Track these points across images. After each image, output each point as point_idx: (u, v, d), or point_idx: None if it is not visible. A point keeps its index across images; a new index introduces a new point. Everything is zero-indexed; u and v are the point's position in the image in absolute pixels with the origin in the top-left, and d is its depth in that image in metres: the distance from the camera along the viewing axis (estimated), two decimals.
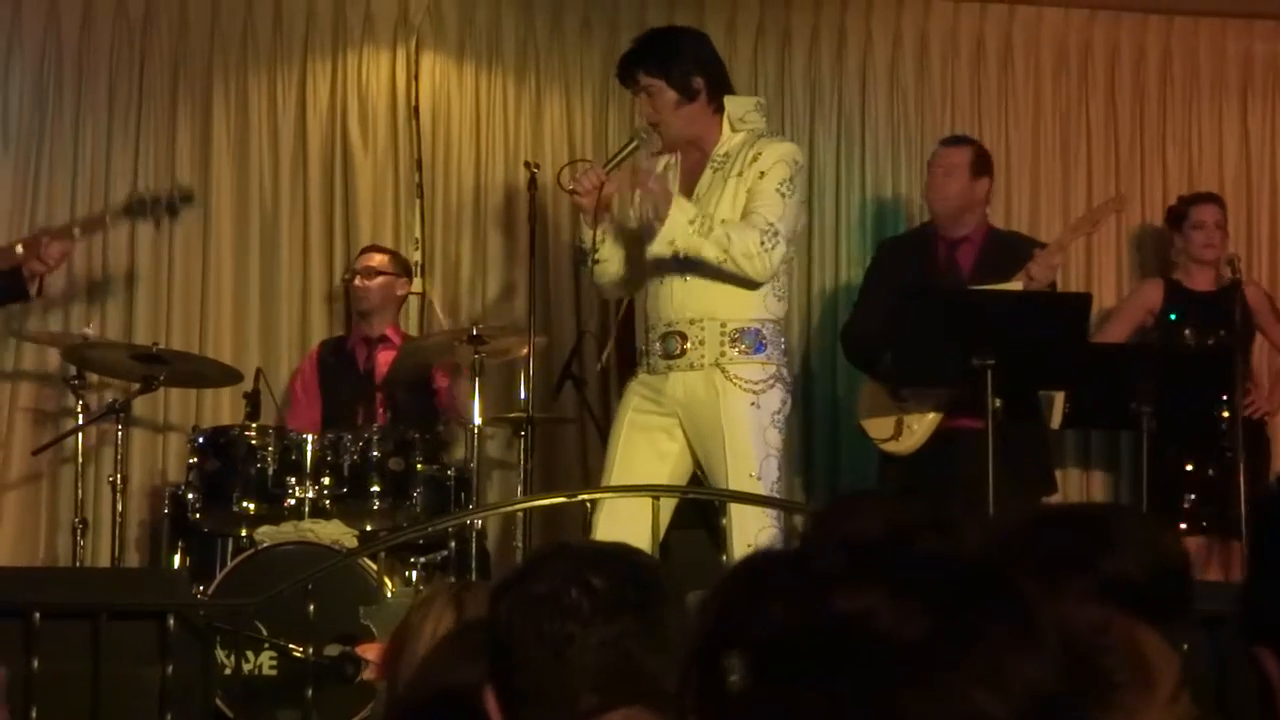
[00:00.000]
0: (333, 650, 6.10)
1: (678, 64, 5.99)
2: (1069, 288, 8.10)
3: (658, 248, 5.80)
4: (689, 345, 5.92)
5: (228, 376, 7.49)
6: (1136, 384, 6.85)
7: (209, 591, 6.47)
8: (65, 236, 7.26)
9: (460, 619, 3.00)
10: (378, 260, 7.78)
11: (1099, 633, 1.57)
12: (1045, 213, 8.56)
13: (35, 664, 5.27)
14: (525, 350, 7.10)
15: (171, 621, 5.50)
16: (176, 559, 7.17)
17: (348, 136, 8.27)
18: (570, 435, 8.21)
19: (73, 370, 7.32)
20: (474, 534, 6.90)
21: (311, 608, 5.92)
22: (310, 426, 7.49)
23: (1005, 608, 1.27)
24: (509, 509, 7.28)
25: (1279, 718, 1.64)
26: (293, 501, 6.86)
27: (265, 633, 6.30)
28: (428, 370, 7.63)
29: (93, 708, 5.39)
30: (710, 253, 5.78)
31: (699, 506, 6.67)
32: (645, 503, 5.77)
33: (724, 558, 6.06)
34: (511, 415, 7.32)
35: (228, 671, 6.22)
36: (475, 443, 6.97)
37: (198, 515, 6.98)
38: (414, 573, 6.91)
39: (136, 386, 7.18)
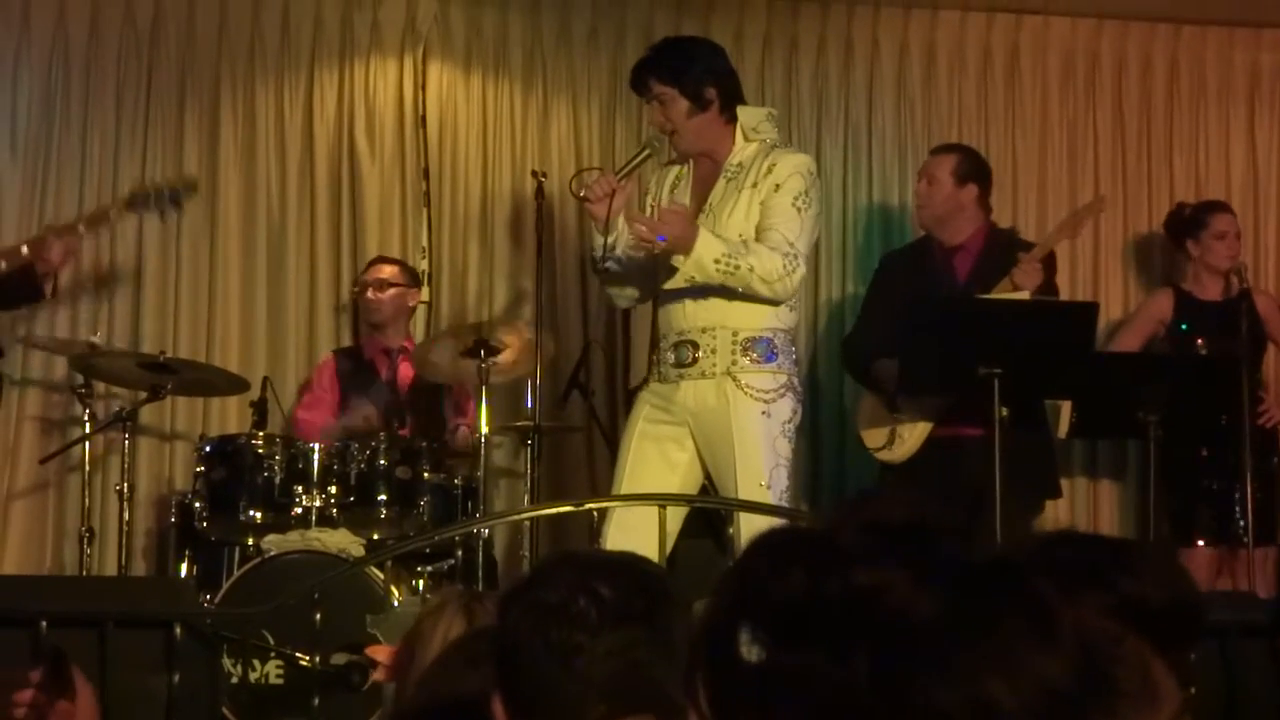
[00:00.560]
0: (339, 659, 6.10)
1: (691, 73, 5.99)
2: (1075, 297, 8.10)
3: (677, 280, 5.81)
4: (701, 354, 5.92)
5: (235, 385, 7.49)
6: (1143, 393, 6.84)
7: (216, 600, 6.47)
8: (70, 233, 7.25)
9: (470, 628, 3.00)
10: (388, 272, 7.78)
11: (1113, 642, 1.57)
12: (1052, 222, 8.53)
13: None
14: (532, 362, 7.09)
15: (178, 630, 5.50)
16: (183, 568, 7.17)
17: (355, 145, 8.28)
18: (577, 444, 8.21)
19: (80, 379, 7.33)
20: (481, 543, 6.89)
21: (318, 616, 5.93)
22: (328, 423, 7.49)
23: (1023, 600, 1.28)
24: (516, 518, 7.28)
25: None
26: (299, 510, 6.86)
27: (272, 641, 6.30)
28: (444, 386, 7.63)
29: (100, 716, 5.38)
30: (732, 282, 5.79)
31: (707, 515, 6.67)
32: (653, 512, 5.77)
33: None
34: (518, 424, 7.33)
35: (234, 680, 6.22)
36: (482, 452, 6.97)
37: (204, 524, 6.98)
38: (421, 581, 6.91)
39: (143, 395, 7.18)
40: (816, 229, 6.16)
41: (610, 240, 5.95)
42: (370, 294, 7.74)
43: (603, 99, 8.46)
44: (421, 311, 8.14)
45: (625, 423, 6.42)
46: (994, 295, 6.91)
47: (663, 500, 5.81)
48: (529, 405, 7.22)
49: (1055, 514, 7.68)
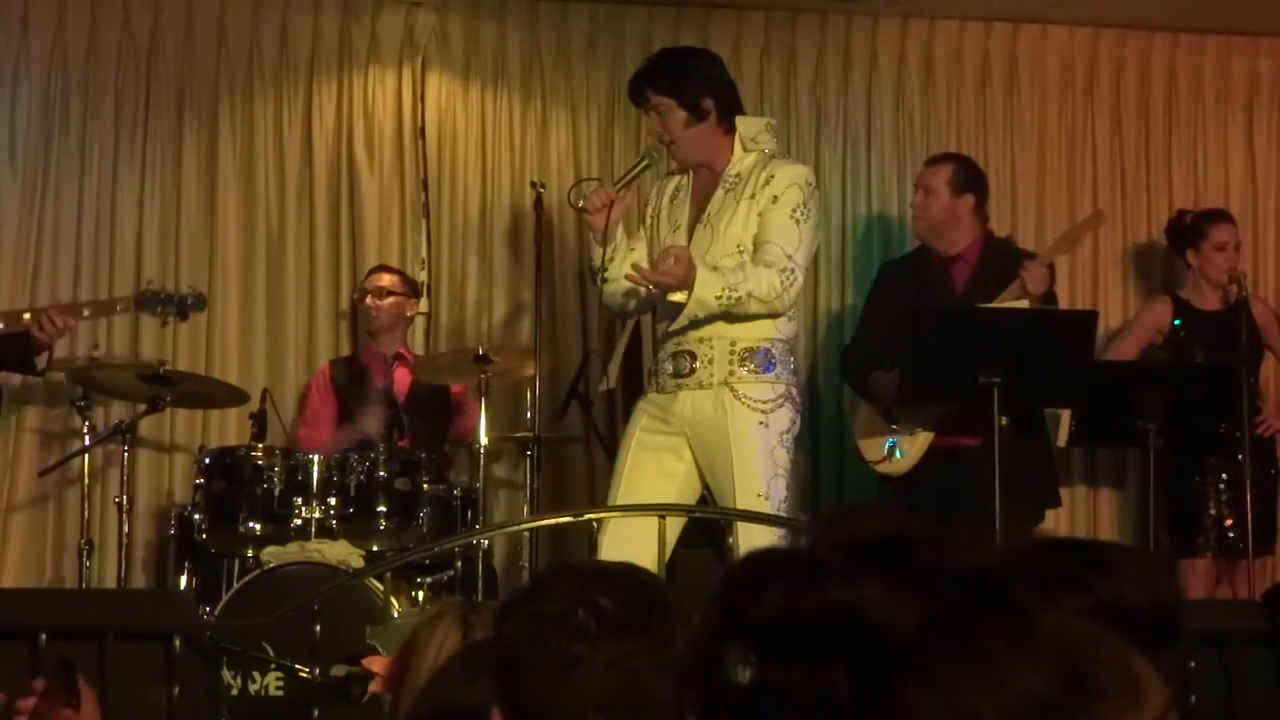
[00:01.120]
0: (339, 670, 6.09)
1: (688, 84, 5.99)
2: (1074, 305, 8.10)
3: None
4: (698, 364, 5.91)
5: (234, 397, 7.49)
6: (1143, 402, 6.84)
7: (215, 612, 6.47)
8: (74, 314, 7.12)
9: (466, 639, 3.00)
10: (388, 280, 7.80)
11: (1091, 642, 1.57)
12: (1051, 231, 8.54)
13: None
14: (531, 371, 7.10)
15: (178, 642, 5.49)
16: (183, 580, 7.17)
17: (354, 157, 8.28)
18: (576, 455, 8.21)
19: (79, 391, 7.32)
20: (480, 554, 6.89)
21: (318, 628, 5.92)
22: (328, 440, 7.50)
23: (1001, 608, 1.28)
24: (515, 529, 7.28)
25: None
26: (299, 522, 6.86)
27: (271, 653, 6.29)
28: (444, 389, 7.63)
29: None
30: (734, 310, 5.79)
31: (706, 526, 6.66)
32: (651, 522, 5.76)
33: None
34: (518, 435, 7.33)
35: (234, 692, 6.21)
36: (481, 462, 6.96)
37: (204, 536, 6.98)
38: (420, 593, 6.91)
39: (143, 407, 7.17)
40: (816, 240, 6.15)
41: (609, 251, 5.95)
42: (369, 301, 7.76)
43: (601, 110, 8.46)
44: (420, 323, 8.14)
45: (623, 432, 6.41)
46: (1002, 301, 6.91)
47: (662, 510, 5.81)
48: (528, 416, 7.22)
49: (1056, 523, 7.68)
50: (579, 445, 8.13)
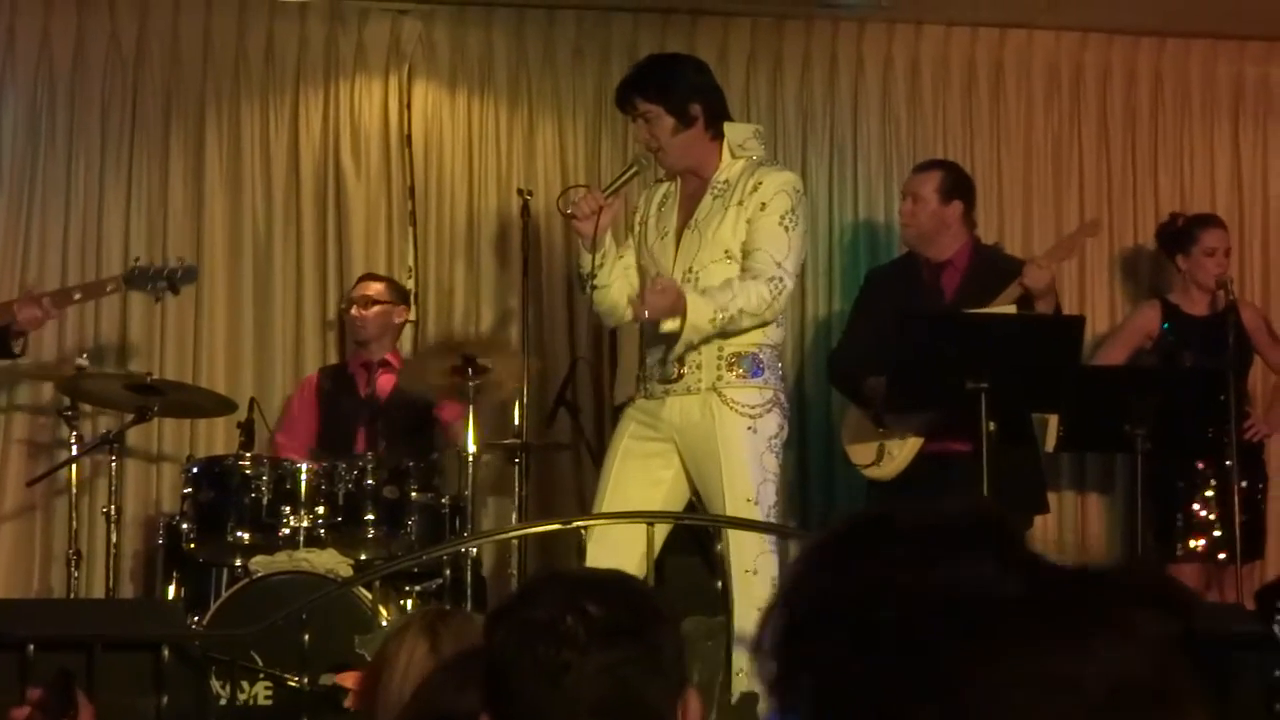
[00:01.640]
0: (328, 680, 6.08)
1: (676, 90, 5.99)
2: (1062, 310, 8.10)
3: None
4: (686, 370, 5.90)
5: (222, 406, 7.48)
6: (1130, 406, 6.84)
7: (204, 622, 6.45)
8: (65, 300, 7.16)
9: (434, 648, 2.99)
10: (374, 289, 7.79)
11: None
12: (1039, 236, 8.56)
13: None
14: (519, 378, 7.09)
15: (166, 652, 5.48)
16: (171, 589, 7.16)
17: (340, 165, 8.27)
18: (565, 462, 8.20)
19: (66, 401, 7.31)
20: (469, 562, 6.88)
21: (306, 637, 5.91)
22: (303, 448, 7.51)
23: (1099, 591, 1.29)
24: (504, 537, 7.27)
25: None
26: (287, 531, 6.85)
27: (260, 663, 6.28)
28: (428, 398, 7.62)
29: None
30: (729, 329, 5.79)
31: (694, 532, 6.66)
32: (639, 529, 5.76)
33: (719, 584, 6.04)
34: (506, 442, 7.32)
35: (223, 702, 6.20)
36: (470, 470, 6.96)
37: (192, 545, 6.97)
38: (409, 601, 6.89)
39: (130, 417, 7.17)
40: (805, 247, 6.16)
41: (598, 258, 5.94)
42: (355, 311, 7.74)
43: (588, 116, 8.46)
44: (408, 330, 8.13)
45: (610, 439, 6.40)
46: (1002, 303, 6.91)
47: (650, 518, 5.80)
48: (516, 423, 7.21)
49: (1044, 529, 7.68)
50: (568, 452, 8.13)
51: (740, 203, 5.90)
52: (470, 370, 6.86)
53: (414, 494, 6.99)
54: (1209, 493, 7.54)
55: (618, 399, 7.75)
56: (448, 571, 6.95)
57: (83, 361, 7.33)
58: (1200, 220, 7.98)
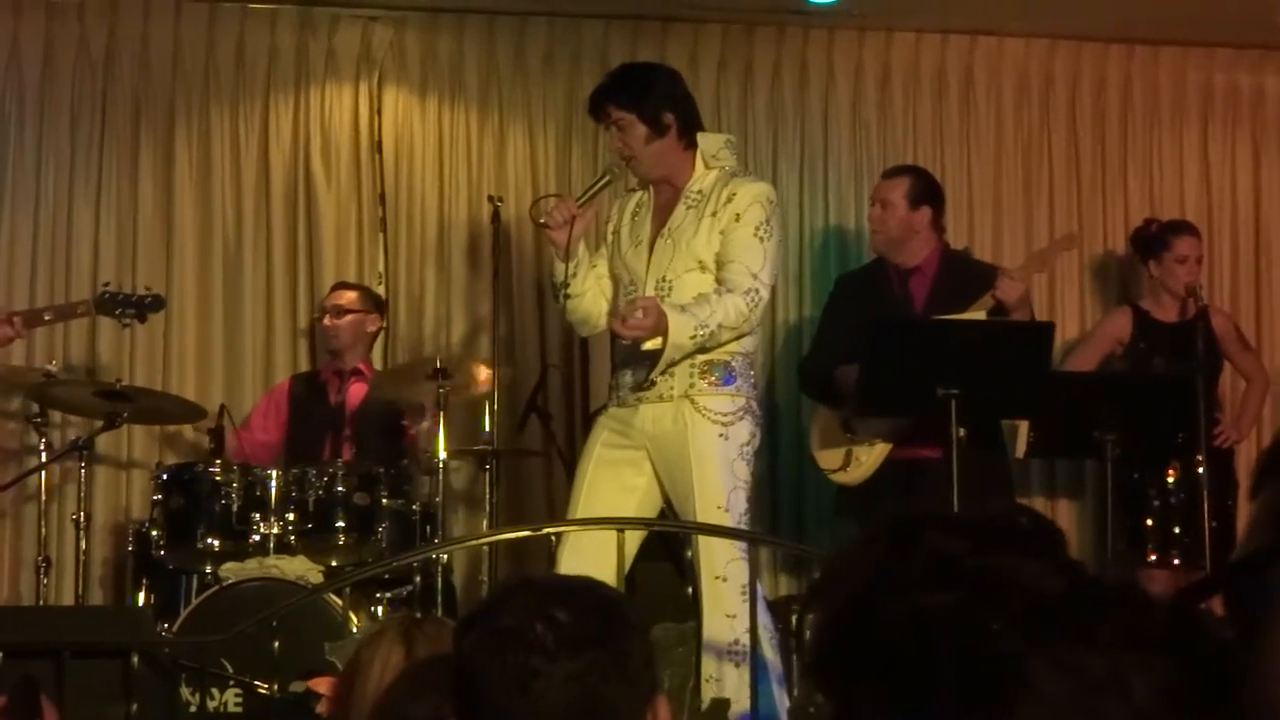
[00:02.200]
0: (298, 687, 6.07)
1: (649, 99, 5.99)
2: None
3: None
4: (659, 377, 5.90)
5: (191, 413, 7.46)
6: (1100, 413, 6.85)
7: (174, 629, 6.45)
8: (37, 321, 7.17)
9: (409, 654, 2.99)
10: (347, 298, 7.78)
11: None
12: (1008, 242, 8.58)
13: None
14: (490, 384, 7.09)
15: (136, 660, 5.47)
16: (141, 597, 7.14)
17: (310, 172, 8.26)
18: (536, 468, 8.20)
19: (35, 408, 7.29)
20: (440, 568, 6.88)
21: (277, 644, 5.90)
22: (264, 452, 7.50)
23: (1136, 598, 1.32)
24: (474, 543, 7.27)
25: None
26: (257, 538, 6.84)
27: (230, 670, 6.27)
28: (398, 407, 7.61)
29: None
30: (708, 344, 5.80)
31: (665, 539, 6.66)
32: (610, 536, 5.75)
33: (690, 590, 6.04)
34: (476, 448, 7.31)
35: (193, 709, 6.19)
36: (441, 477, 6.95)
37: (162, 552, 6.96)
38: (380, 608, 6.89)
39: (100, 424, 7.14)
40: (780, 257, 6.17)
41: (571, 267, 5.94)
42: (328, 320, 7.74)
43: (559, 124, 8.46)
44: (379, 337, 8.11)
45: (583, 446, 6.40)
46: (972, 311, 6.91)
47: (620, 524, 5.80)
48: (486, 430, 7.21)
49: None
50: (538, 459, 8.12)
51: (714, 213, 5.90)
52: (440, 377, 6.87)
53: (385, 500, 6.99)
54: (1178, 500, 7.55)
55: (594, 405, 7.76)
56: (418, 578, 6.94)
57: (52, 368, 7.31)
58: (1174, 227, 7.98)
